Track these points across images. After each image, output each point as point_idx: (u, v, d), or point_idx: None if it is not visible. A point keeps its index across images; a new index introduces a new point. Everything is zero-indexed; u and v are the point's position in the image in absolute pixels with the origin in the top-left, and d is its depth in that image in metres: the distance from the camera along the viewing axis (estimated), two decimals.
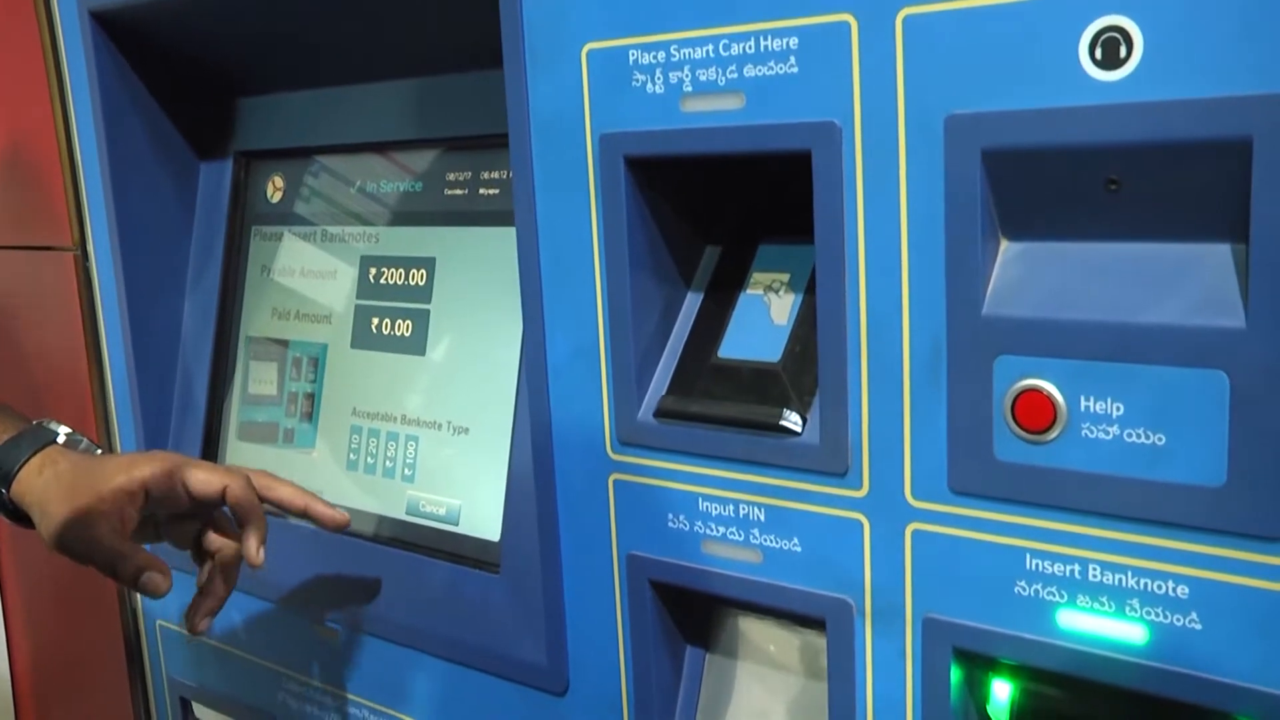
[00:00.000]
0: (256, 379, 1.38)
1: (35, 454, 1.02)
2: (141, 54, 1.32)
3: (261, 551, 1.00)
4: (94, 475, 0.97)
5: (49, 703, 1.70)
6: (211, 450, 1.41)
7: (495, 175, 1.14)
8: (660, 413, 0.90)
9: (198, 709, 1.47)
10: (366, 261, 1.27)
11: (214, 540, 1.04)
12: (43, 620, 1.66)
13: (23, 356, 1.54)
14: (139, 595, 1.48)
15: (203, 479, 0.99)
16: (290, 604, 1.27)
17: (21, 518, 1.03)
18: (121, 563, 0.96)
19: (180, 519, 1.04)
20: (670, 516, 0.91)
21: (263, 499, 1.03)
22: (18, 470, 1.01)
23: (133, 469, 0.97)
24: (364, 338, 1.26)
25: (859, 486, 0.81)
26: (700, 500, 0.89)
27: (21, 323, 1.53)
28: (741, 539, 0.88)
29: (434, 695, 1.15)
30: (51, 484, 0.99)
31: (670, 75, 0.84)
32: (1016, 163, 0.70)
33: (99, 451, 1.08)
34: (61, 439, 1.05)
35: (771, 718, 0.95)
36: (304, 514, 1.05)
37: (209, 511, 1.04)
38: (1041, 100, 0.68)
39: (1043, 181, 0.71)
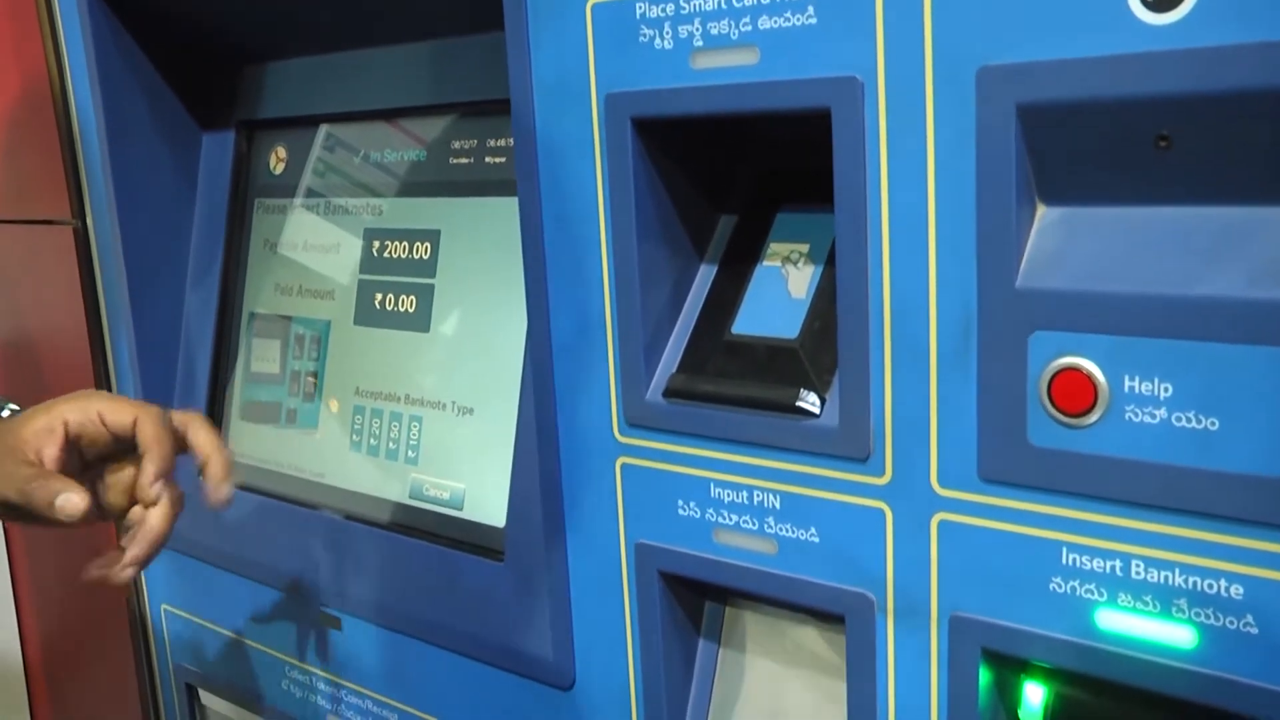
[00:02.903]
0: (259, 356, 1.34)
1: None
2: (140, 20, 1.29)
3: (157, 486, 0.95)
4: (17, 425, 0.97)
5: (61, 690, 1.70)
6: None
7: (501, 143, 1.09)
8: (670, 392, 0.86)
9: (204, 695, 1.46)
10: (370, 234, 1.22)
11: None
12: (53, 610, 1.66)
13: (23, 332, 1.53)
14: (144, 580, 1.46)
15: (113, 408, 0.97)
16: (293, 591, 1.25)
17: None
18: (30, 485, 0.91)
19: (113, 469, 0.99)
20: (680, 503, 0.87)
21: (183, 435, 0.99)
22: None
23: (52, 408, 0.97)
24: (367, 314, 1.22)
25: (881, 473, 0.77)
26: (712, 486, 0.85)
27: (21, 297, 1.53)
28: (756, 528, 0.83)
29: (437, 687, 1.12)
30: None
31: (680, 29, 0.80)
32: (1056, 118, 0.66)
33: None
34: (6, 414, 1.05)
35: (788, 718, 0.90)
36: (200, 468, 1.00)
37: (131, 451, 0.99)
38: (1084, 48, 0.63)
39: (1085, 139, 0.66)
